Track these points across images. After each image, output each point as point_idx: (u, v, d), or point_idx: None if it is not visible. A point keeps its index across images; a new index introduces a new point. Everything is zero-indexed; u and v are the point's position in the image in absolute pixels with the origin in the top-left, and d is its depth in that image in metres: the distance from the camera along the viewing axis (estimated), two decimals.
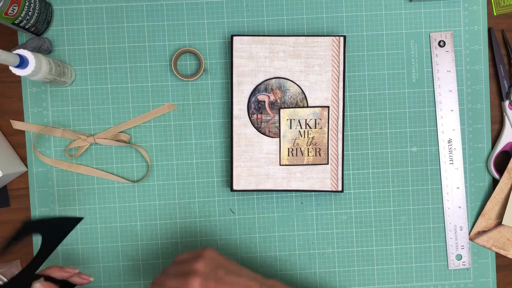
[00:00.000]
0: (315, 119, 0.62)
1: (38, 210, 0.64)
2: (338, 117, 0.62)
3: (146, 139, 0.64)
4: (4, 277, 0.63)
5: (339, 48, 0.62)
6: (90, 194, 0.64)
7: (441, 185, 0.65)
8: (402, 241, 0.65)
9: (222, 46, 0.64)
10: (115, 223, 0.64)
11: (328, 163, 0.62)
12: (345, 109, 0.65)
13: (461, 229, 0.65)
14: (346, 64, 0.64)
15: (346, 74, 0.64)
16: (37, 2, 0.58)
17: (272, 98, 0.62)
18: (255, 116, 0.62)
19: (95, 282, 0.64)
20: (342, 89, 0.62)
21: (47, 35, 0.64)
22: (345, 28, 0.65)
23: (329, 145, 0.62)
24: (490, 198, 0.64)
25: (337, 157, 0.63)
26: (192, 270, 0.49)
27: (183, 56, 0.64)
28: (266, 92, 0.62)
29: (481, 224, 0.65)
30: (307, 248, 0.65)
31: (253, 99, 0.62)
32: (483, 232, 0.65)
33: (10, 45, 0.64)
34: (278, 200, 0.65)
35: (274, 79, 0.62)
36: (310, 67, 0.62)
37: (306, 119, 0.62)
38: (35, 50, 0.62)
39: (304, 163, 0.62)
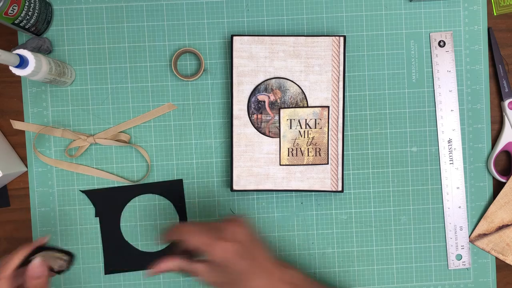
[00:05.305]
0: (315, 119, 0.62)
1: (38, 210, 0.64)
2: (338, 117, 0.62)
3: (146, 139, 0.64)
4: None
5: (339, 48, 0.62)
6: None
7: (441, 185, 0.65)
8: (402, 241, 0.65)
9: (222, 46, 0.64)
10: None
11: (328, 163, 0.62)
12: (345, 109, 0.65)
13: (461, 229, 0.65)
14: (346, 64, 0.64)
15: (346, 74, 0.64)
16: (37, 2, 0.58)
17: (272, 98, 0.62)
18: (255, 116, 0.62)
19: (95, 282, 0.64)
20: (342, 89, 0.62)
21: (47, 35, 0.64)
22: (345, 28, 0.65)
23: (329, 145, 0.62)
24: (494, 201, 0.64)
25: (337, 157, 0.62)
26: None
27: (183, 56, 0.64)
28: (266, 92, 0.62)
29: (482, 227, 0.65)
30: (307, 248, 0.65)
31: (253, 99, 0.62)
32: (484, 235, 0.65)
33: (10, 45, 0.64)
34: (278, 200, 0.65)
35: (274, 79, 0.62)
36: (310, 67, 0.62)
37: (306, 119, 0.62)
38: (35, 50, 0.62)
39: (304, 163, 0.62)
